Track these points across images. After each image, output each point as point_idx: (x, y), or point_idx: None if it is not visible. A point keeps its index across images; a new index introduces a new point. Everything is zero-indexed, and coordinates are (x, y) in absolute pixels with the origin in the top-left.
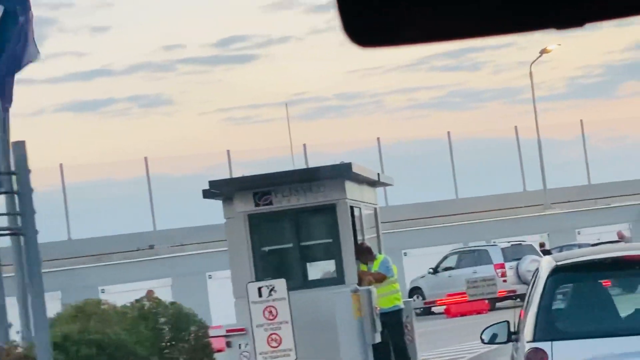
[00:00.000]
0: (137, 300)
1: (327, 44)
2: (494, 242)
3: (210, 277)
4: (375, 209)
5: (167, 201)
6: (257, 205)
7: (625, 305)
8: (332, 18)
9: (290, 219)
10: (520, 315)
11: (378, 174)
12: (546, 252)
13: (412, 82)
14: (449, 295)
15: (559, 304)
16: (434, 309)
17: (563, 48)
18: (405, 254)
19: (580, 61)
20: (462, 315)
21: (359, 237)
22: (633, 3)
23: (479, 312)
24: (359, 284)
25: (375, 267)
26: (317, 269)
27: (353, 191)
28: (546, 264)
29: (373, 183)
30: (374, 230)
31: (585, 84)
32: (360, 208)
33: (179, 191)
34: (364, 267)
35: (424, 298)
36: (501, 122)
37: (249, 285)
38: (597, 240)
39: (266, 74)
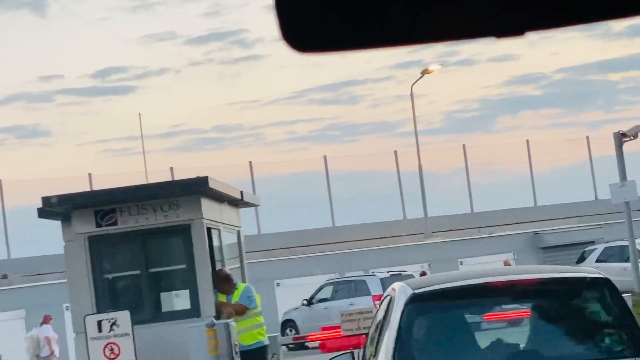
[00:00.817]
0: None
1: (206, 76)
2: (373, 272)
3: (67, 308)
4: (238, 232)
5: (23, 229)
6: (99, 225)
7: (487, 335)
8: (211, 50)
9: (138, 242)
10: (364, 344)
11: (241, 192)
12: None
13: (290, 115)
14: (324, 328)
15: (416, 335)
16: (308, 344)
17: (441, 82)
18: (278, 284)
19: (458, 95)
20: (338, 349)
21: (219, 264)
22: (572, 13)
23: (355, 347)
24: (217, 317)
25: (235, 297)
26: (169, 300)
27: (211, 210)
28: (401, 291)
29: (235, 203)
30: (237, 256)
31: (463, 118)
32: (219, 230)
33: (36, 218)
34: (222, 298)
35: (297, 331)
36: (380, 153)
37: (86, 319)
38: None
39: (145, 105)
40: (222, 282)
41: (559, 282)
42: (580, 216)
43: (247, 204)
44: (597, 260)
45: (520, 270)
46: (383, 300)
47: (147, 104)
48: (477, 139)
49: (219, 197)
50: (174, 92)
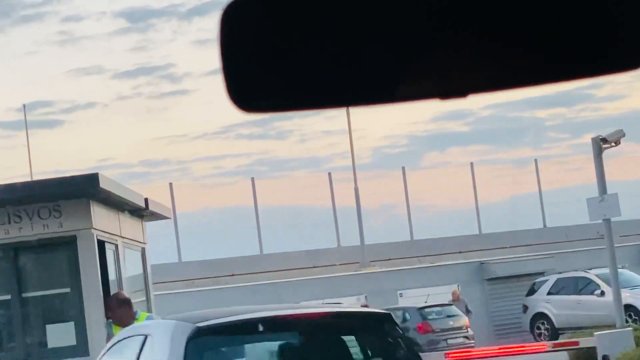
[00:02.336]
0: None
1: (133, 110)
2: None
3: None
4: (143, 249)
5: None
6: None
7: None
8: (138, 84)
9: (9, 259)
10: None
11: (146, 199)
12: None
13: (218, 150)
14: None
15: None
16: None
17: (369, 118)
18: None
19: (386, 131)
20: None
21: (114, 287)
22: (514, 77)
23: None
24: None
25: None
26: (49, 333)
27: (105, 220)
28: (172, 326)
29: (139, 213)
30: (141, 280)
31: (391, 154)
32: (116, 245)
33: None
34: (117, 330)
35: None
36: (313, 176)
37: None
38: (424, 302)
39: (73, 139)
40: (118, 310)
41: (343, 317)
42: (528, 245)
43: (155, 216)
44: (549, 293)
45: (309, 305)
46: (124, 339)
47: (75, 138)
48: (406, 174)
49: (117, 204)
50: (101, 126)
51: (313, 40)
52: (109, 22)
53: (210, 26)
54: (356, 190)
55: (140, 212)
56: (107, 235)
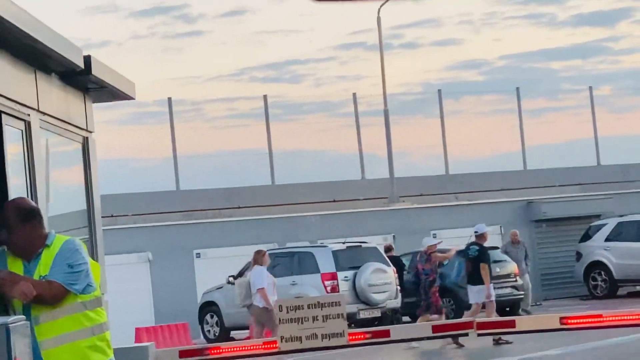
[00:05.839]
0: None
1: (148, 50)
2: (322, 243)
3: (198, 255)
4: (85, 140)
5: None
6: None
7: None
8: (154, 24)
9: None
10: None
11: (87, 56)
12: (393, 259)
13: (232, 92)
14: None
15: None
16: (234, 335)
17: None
18: (198, 255)
19: (401, 79)
20: None
21: (18, 191)
22: None
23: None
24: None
25: (44, 266)
26: None
27: (9, 79)
28: None
29: (77, 81)
30: (78, 192)
31: (405, 101)
32: (28, 123)
33: None
34: (16, 266)
35: (220, 318)
36: (326, 131)
37: None
38: (461, 245)
39: None
40: (17, 230)
41: None
42: (581, 184)
43: (109, 93)
44: (607, 239)
45: None
46: None
47: None
48: (419, 122)
49: (31, 55)
50: (115, 65)
51: None
52: None
53: None
54: (386, 112)
55: (80, 79)
56: (9, 103)
